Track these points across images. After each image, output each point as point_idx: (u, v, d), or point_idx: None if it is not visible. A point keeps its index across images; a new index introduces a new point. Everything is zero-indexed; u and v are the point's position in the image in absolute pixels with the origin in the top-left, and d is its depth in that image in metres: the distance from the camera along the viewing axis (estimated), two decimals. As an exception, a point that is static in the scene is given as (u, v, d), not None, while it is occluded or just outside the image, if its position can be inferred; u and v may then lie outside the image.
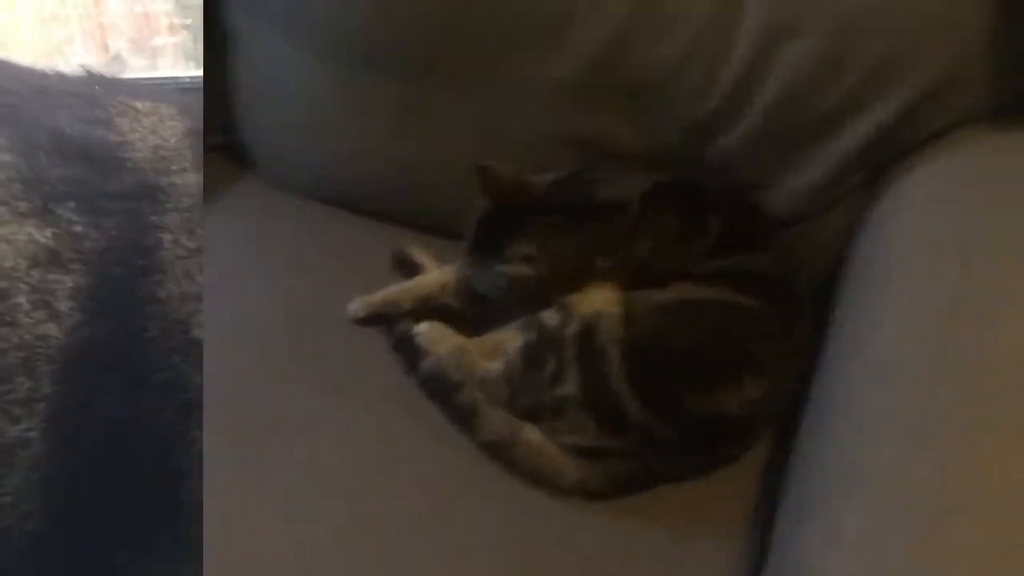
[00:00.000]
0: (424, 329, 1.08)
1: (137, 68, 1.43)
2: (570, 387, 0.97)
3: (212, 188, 0.99)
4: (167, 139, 0.66)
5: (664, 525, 0.94)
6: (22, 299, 0.59)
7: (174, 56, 1.47)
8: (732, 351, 0.95)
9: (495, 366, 1.03)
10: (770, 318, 0.96)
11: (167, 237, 0.63)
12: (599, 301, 0.98)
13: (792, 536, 0.79)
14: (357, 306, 1.13)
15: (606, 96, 1.10)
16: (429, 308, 1.10)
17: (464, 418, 1.02)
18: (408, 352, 1.07)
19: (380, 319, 1.11)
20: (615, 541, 0.93)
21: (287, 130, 1.30)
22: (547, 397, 0.98)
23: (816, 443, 0.87)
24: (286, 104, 1.28)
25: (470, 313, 1.08)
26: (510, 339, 1.00)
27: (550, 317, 1.01)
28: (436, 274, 1.14)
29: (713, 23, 1.04)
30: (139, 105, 0.67)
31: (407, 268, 1.19)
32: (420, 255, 1.21)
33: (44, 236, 0.60)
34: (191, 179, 0.65)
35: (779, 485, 0.92)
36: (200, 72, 1.38)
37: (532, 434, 1.01)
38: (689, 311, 0.95)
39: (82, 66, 0.70)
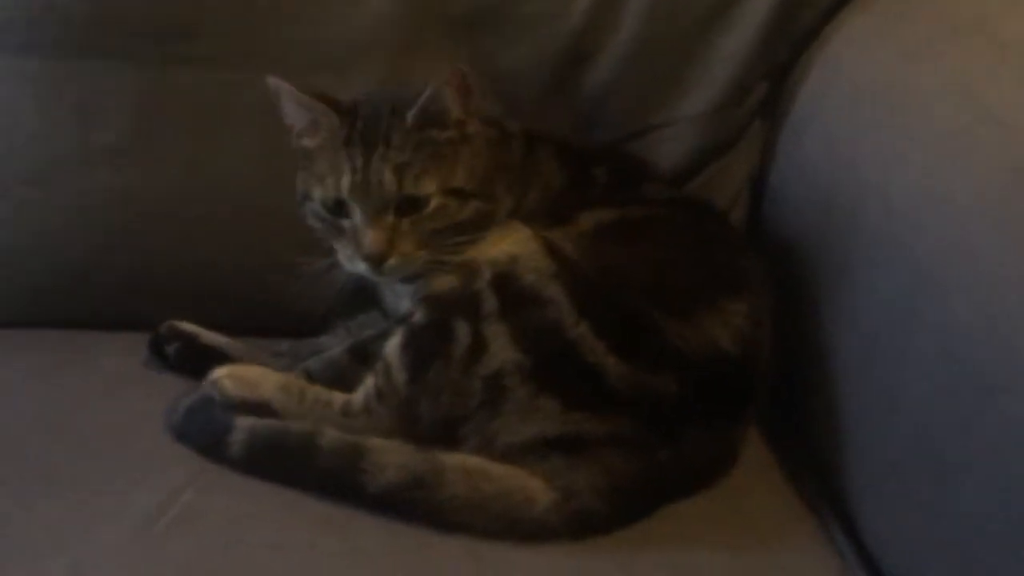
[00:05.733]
0: (223, 373, 0.72)
1: None
2: (504, 355, 0.67)
3: None
4: None
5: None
6: None
7: None
8: (696, 264, 0.74)
9: (366, 383, 0.71)
10: (713, 232, 0.80)
11: None
12: (505, 244, 0.72)
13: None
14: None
15: (435, 32, 0.85)
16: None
17: (342, 467, 0.66)
18: (205, 418, 0.70)
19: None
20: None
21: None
22: (471, 383, 0.68)
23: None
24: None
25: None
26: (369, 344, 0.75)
27: (441, 282, 0.72)
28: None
29: None
30: None
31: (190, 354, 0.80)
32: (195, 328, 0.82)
33: None
34: None
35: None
36: None
37: (458, 457, 0.67)
38: (628, 229, 0.74)
39: None
